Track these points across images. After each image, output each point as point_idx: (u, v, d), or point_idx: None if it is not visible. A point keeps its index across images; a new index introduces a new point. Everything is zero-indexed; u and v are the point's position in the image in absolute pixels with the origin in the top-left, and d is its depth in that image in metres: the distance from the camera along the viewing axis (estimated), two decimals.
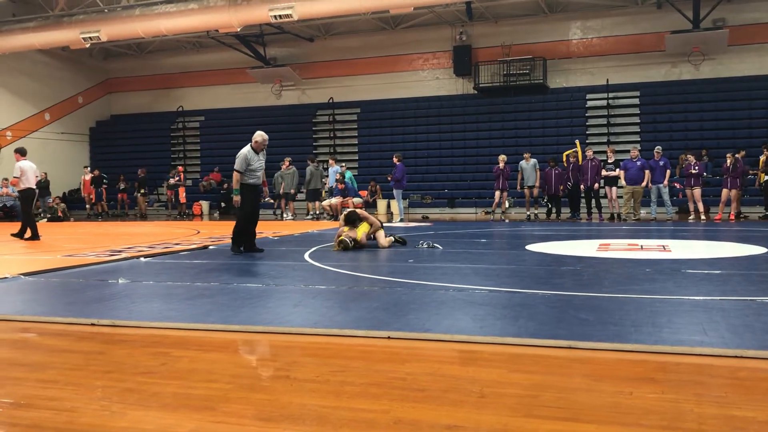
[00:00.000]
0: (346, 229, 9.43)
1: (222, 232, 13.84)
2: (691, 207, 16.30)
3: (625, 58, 22.96)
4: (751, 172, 17.01)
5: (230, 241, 9.53)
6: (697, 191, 15.96)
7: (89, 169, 24.61)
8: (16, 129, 25.32)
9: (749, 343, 3.66)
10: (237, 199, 9.21)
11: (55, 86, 27.07)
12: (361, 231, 9.45)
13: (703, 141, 20.43)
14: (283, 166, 20.48)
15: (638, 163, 15.99)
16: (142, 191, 23.57)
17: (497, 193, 17.79)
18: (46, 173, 23.65)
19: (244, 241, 9.35)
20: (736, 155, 16.00)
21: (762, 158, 16.10)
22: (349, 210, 9.97)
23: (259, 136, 9.26)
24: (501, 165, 17.61)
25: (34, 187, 12.75)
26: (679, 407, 2.73)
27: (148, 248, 10.07)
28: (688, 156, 16.53)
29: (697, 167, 16.00)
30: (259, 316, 4.76)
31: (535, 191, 17.88)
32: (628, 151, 17.36)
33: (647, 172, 15.88)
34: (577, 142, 17.85)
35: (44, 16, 22.14)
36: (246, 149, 9.18)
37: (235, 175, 9.14)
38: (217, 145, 26.85)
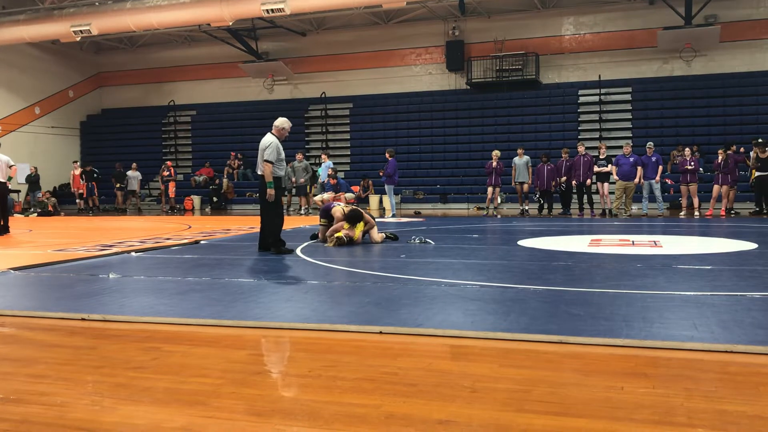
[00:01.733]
0: (346, 225, 9.26)
1: (213, 227, 13.80)
2: (684, 203, 16.33)
3: (617, 54, 23.04)
4: (746, 161, 16.91)
5: (260, 243, 8.58)
6: (693, 187, 15.99)
7: (79, 163, 24.46)
8: (6, 123, 25.16)
9: (739, 338, 3.68)
10: (272, 193, 8.35)
11: (45, 80, 26.90)
12: (359, 230, 9.39)
13: (695, 137, 20.52)
14: None
15: (631, 159, 16.02)
16: (118, 185, 23.46)
17: (490, 189, 17.81)
18: (36, 168, 23.55)
19: (270, 238, 8.54)
20: (728, 151, 16.04)
21: (752, 154, 16.16)
22: (353, 208, 9.65)
23: (286, 122, 8.59)
24: (494, 161, 17.63)
25: (3, 180, 12.51)
26: (670, 402, 2.74)
27: (139, 243, 10.03)
28: (685, 151, 16.54)
29: (693, 163, 16.02)
30: (251, 311, 4.75)
31: (526, 187, 17.89)
32: (620, 147, 17.42)
33: (639, 168, 15.92)
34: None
35: (34, 9, 22.00)
36: (273, 137, 8.41)
37: (268, 167, 8.28)
38: (209, 140, 26.79)
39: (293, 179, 19.51)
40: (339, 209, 9.58)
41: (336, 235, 9.12)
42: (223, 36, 25.42)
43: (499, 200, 19.82)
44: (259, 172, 8.56)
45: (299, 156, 20.48)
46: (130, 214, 21.95)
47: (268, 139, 8.44)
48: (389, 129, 24.55)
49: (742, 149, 16.35)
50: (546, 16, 23.70)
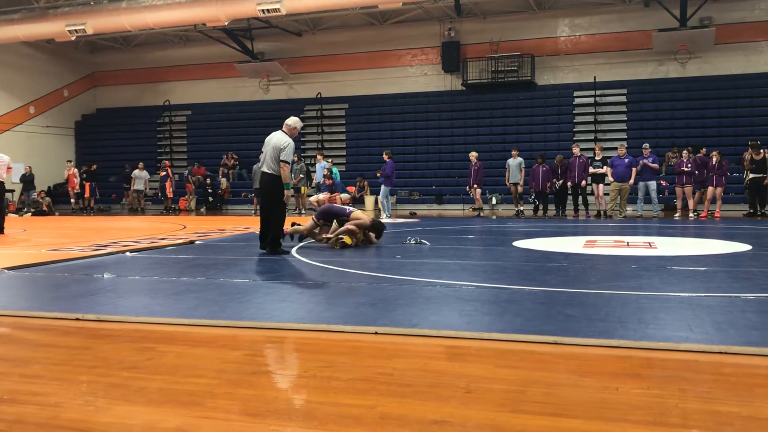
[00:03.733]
0: (360, 236, 8.99)
1: (208, 227, 13.77)
2: (679, 204, 16.35)
3: (612, 56, 23.09)
4: (743, 163, 16.86)
5: (268, 242, 8.21)
6: (689, 188, 16.02)
7: (73, 163, 24.34)
8: (0, 122, 25.07)
9: (733, 339, 3.69)
10: (289, 194, 8.25)
11: (40, 79, 26.81)
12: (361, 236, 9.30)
13: (689, 139, 20.56)
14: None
15: (626, 160, 16.06)
16: (125, 186, 23.39)
17: (470, 190, 17.98)
18: (30, 167, 23.45)
19: (271, 236, 8.34)
20: (698, 153, 16.07)
21: (746, 156, 16.21)
22: (378, 220, 9.37)
23: (299, 122, 8.45)
24: (473, 161, 17.77)
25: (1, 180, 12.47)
26: (664, 402, 2.75)
27: (133, 243, 10.00)
28: (683, 153, 16.57)
29: (689, 164, 16.05)
30: (246, 311, 4.74)
31: (519, 188, 17.93)
32: (615, 149, 17.45)
33: (634, 169, 15.97)
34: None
35: (29, 8, 21.92)
36: (287, 137, 8.19)
37: (286, 168, 8.10)
38: (204, 140, 26.74)
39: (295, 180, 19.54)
40: (363, 215, 9.15)
41: (345, 240, 8.92)
42: (218, 36, 25.38)
43: (494, 200, 19.86)
44: (266, 170, 8.24)
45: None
46: (124, 214, 21.89)
47: (284, 139, 8.18)
48: (385, 130, 24.55)
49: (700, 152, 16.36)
50: (541, 17, 23.73)
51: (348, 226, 8.96)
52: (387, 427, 2.53)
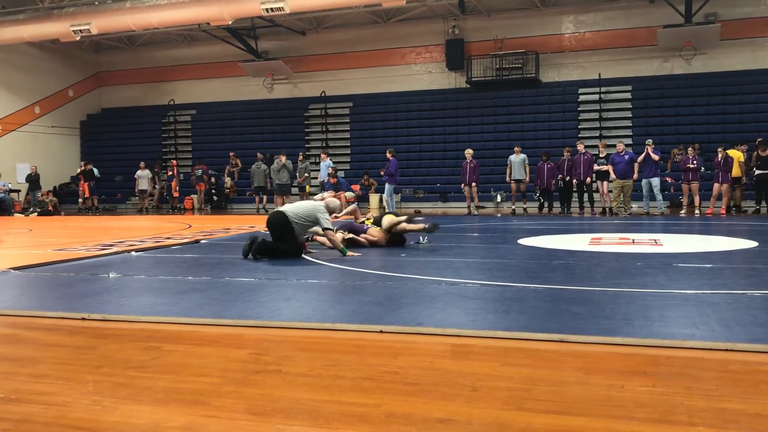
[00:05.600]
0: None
1: (213, 226, 13.79)
2: (685, 201, 16.31)
3: (617, 53, 23.02)
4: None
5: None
6: (695, 185, 15.98)
7: (85, 163, 24.34)
8: (5, 122, 25.14)
9: (739, 336, 3.68)
10: (352, 254, 7.98)
11: (45, 79, 26.86)
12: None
13: (695, 135, 20.51)
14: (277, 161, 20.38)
15: (626, 157, 16.02)
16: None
17: (466, 189, 17.87)
18: (35, 167, 23.52)
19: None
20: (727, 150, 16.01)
21: (753, 153, 16.14)
22: (401, 236, 9.08)
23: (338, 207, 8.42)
24: (468, 158, 17.69)
25: None
26: (670, 400, 2.74)
27: (139, 242, 10.02)
28: (688, 149, 16.51)
29: (695, 161, 15.99)
30: (251, 310, 4.75)
31: (522, 186, 17.86)
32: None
33: (636, 165, 15.93)
34: None
35: (34, 8, 21.99)
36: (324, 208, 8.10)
37: (333, 235, 8.05)
38: (209, 139, 26.77)
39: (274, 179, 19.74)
40: (379, 235, 8.92)
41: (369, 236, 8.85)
42: (222, 35, 25.38)
43: (499, 198, 19.80)
44: (293, 217, 7.80)
45: (282, 157, 20.28)
46: (130, 214, 21.94)
47: (321, 207, 7.99)
48: (389, 128, 24.52)
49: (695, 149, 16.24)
50: (546, 14, 23.67)
51: (360, 238, 8.89)
52: (392, 425, 2.53)
